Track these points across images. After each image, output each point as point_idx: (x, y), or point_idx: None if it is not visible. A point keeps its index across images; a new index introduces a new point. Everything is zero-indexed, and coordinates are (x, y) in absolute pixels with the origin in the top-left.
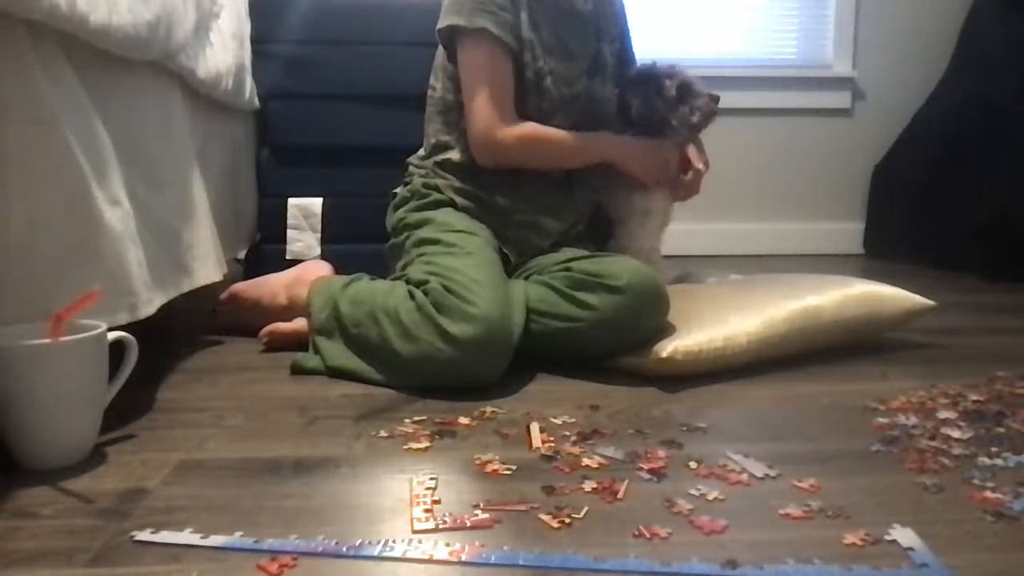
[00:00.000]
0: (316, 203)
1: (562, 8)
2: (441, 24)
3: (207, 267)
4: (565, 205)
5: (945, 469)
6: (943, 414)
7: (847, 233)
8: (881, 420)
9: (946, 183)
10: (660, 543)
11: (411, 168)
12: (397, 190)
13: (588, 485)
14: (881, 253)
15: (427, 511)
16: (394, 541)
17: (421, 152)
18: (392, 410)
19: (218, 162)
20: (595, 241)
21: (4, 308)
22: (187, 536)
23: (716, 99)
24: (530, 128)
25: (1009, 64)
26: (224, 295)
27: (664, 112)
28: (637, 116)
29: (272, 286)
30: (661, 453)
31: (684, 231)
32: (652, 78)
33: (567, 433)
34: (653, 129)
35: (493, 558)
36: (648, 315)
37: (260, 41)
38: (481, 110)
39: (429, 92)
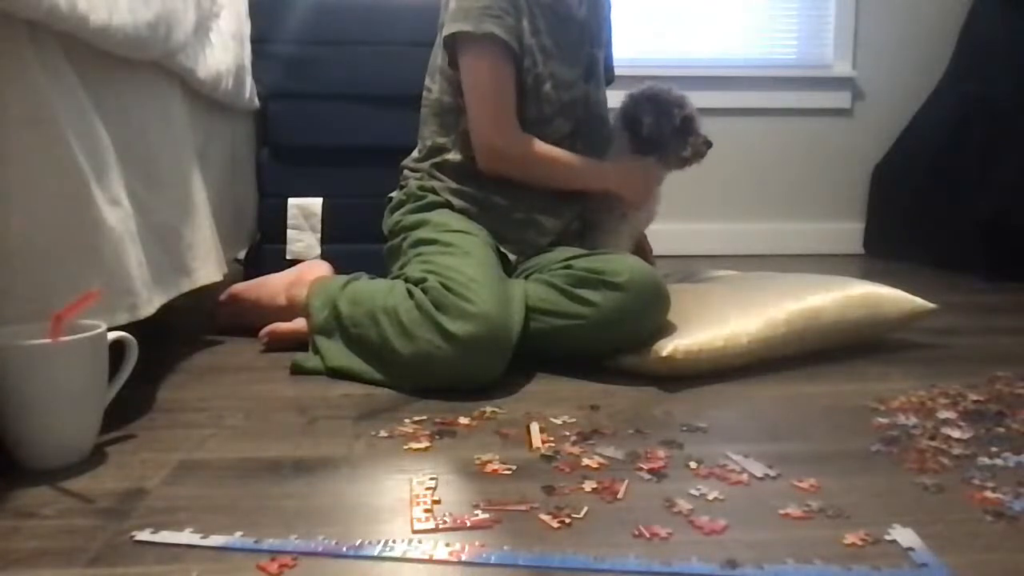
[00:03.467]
0: (316, 203)
1: (559, 13)
2: (447, 31)
3: (207, 267)
4: (562, 203)
5: (945, 469)
6: (943, 414)
7: (847, 233)
8: (881, 420)
9: (946, 183)
10: (660, 543)
11: (406, 172)
12: (392, 194)
13: (588, 485)
14: (881, 253)
15: (427, 511)
16: (394, 541)
17: (415, 154)
18: (392, 410)
19: (218, 162)
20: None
21: (4, 308)
22: (187, 536)
23: (709, 144)
24: (535, 146)
25: (1009, 64)
26: (224, 295)
27: (667, 136)
28: (647, 132)
29: (272, 286)
30: (661, 453)
31: (684, 231)
32: (665, 102)
33: (567, 433)
34: (650, 147)
35: (493, 558)
36: (649, 312)
37: (260, 41)
38: (486, 120)
39: (424, 94)
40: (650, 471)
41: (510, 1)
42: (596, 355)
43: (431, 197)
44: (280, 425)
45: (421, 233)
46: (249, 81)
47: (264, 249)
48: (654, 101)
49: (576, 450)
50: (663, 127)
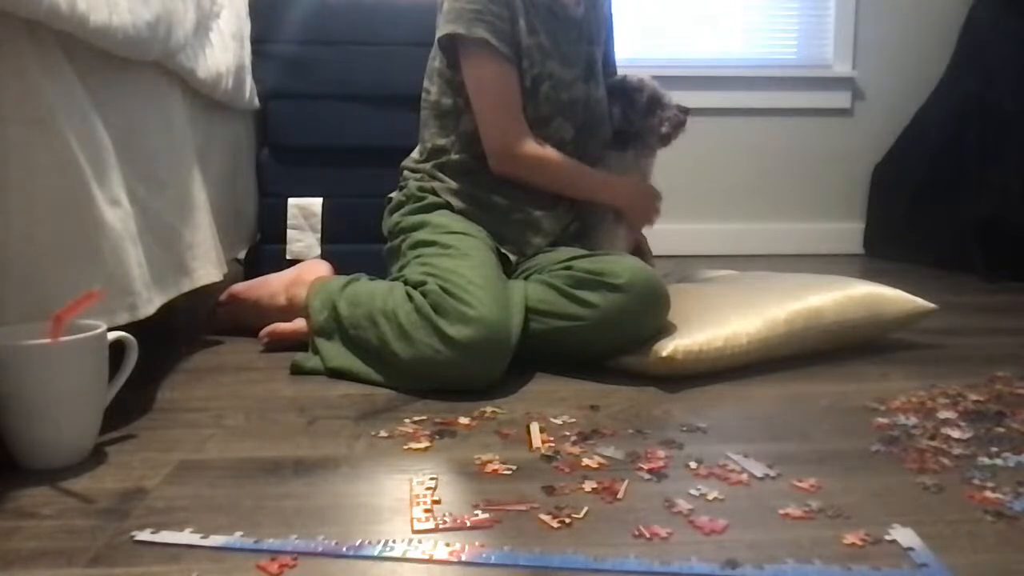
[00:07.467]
0: (316, 203)
1: (556, 13)
2: (441, 32)
3: (207, 267)
4: (561, 204)
5: (945, 469)
6: (943, 414)
7: (847, 233)
8: (881, 420)
9: (946, 183)
10: (660, 543)
11: (406, 172)
12: (392, 194)
13: (588, 485)
14: (881, 253)
15: (427, 511)
16: (394, 541)
17: (416, 155)
18: (392, 410)
19: (218, 162)
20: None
21: (4, 308)
22: (187, 536)
23: (686, 111)
24: (546, 151)
25: (1009, 64)
26: (224, 295)
27: (638, 123)
28: (616, 126)
29: (272, 286)
30: (661, 453)
31: (684, 231)
32: (624, 91)
33: (567, 433)
34: (629, 138)
35: (493, 558)
36: (649, 313)
37: (260, 41)
38: (494, 122)
39: (423, 95)
40: (650, 471)
41: (504, 3)
42: (596, 356)
43: (431, 198)
44: (280, 425)
45: (420, 235)
46: (249, 81)
47: (264, 249)
48: (614, 94)
49: (576, 450)
50: (631, 115)
